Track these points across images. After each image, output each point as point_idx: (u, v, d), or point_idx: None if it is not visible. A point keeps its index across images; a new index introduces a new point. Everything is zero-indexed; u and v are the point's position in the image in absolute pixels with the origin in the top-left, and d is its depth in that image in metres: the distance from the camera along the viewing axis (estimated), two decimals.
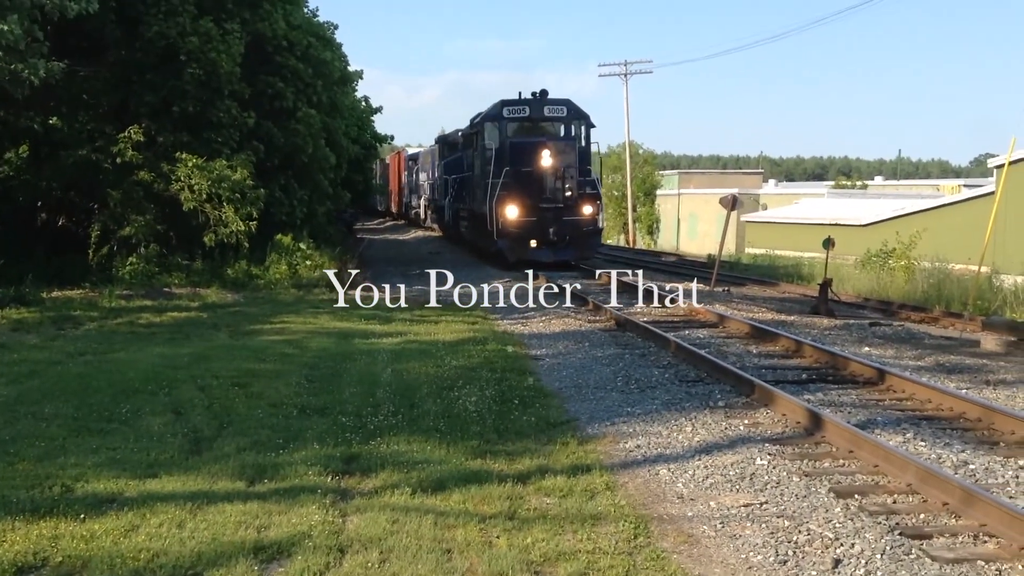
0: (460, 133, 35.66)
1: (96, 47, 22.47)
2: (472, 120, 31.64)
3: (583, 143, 28.17)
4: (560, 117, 28.31)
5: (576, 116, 28.35)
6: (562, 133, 28.16)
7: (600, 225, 28.00)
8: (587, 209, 26.90)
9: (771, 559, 6.12)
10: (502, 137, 27.61)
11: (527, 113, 28.10)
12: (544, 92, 28.30)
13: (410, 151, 59.36)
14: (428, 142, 58.68)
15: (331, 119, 29.57)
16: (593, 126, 28.57)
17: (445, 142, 40.19)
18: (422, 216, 51.92)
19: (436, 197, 43.75)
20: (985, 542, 6.38)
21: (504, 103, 28.28)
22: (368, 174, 47.80)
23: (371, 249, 38.09)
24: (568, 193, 26.42)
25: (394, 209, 66.20)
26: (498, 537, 6.39)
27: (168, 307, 18.47)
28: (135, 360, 12.62)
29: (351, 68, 35.25)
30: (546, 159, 26.13)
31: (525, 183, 26.33)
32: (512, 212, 26.30)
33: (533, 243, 26.58)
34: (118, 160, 21.67)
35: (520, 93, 28.64)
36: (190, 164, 21.62)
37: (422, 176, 51.10)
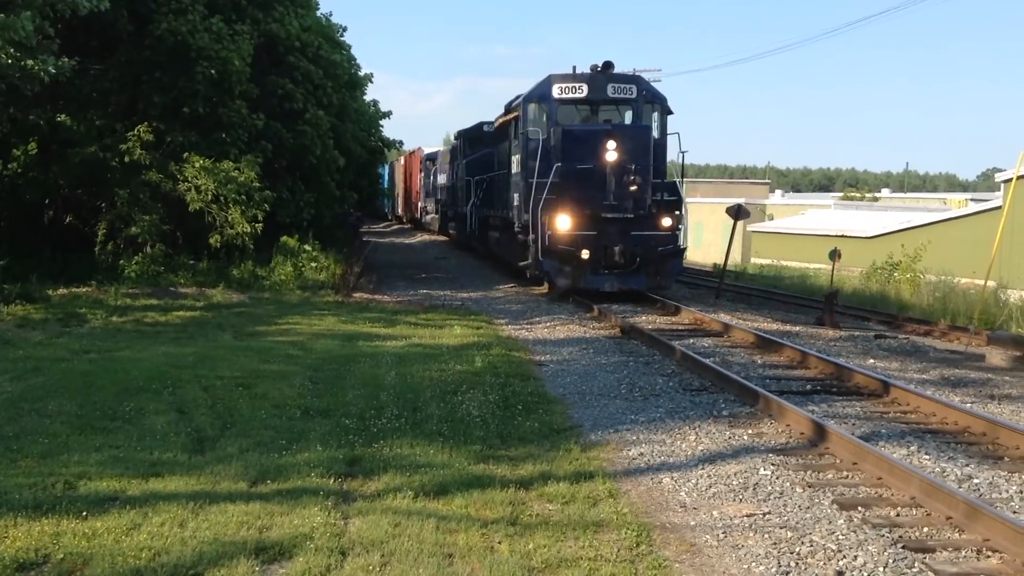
0: (485, 125, 30.95)
1: (106, 45, 22.51)
2: (508, 105, 24.94)
3: (658, 134, 21.73)
4: (628, 99, 21.79)
5: (650, 98, 21.94)
6: (631, 119, 21.92)
7: (681, 244, 21.07)
8: (665, 221, 20.47)
9: (773, 570, 6.10)
10: (551, 123, 21.28)
11: (585, 93, 21.51)
12: (608, 64, 21.73)
13: (427, 151, 54.15)
14: (436, 147, 55.56)
15: (340, 122, 29.58)
16: (670, 112, 22.05)
17: (468, 137, 34.43)
18: (437, 222, 47.27)
19: (456, 202, 37.76)
20: (988, 557, 6.36)
21: (554, 79, 21.72)
22: (375, 177, 47.66)
23: (377, 252, 38.10)
24: (640, 199, 20.29)
25: (400, 212, 66.09)
26: (500, 543, 6.38)
27: (173, 307, 18.48)
28: (140, 359, 12.63)
29: (361, 72, 35.29)
30: (611, 153, 19.82)
31: (582, 185, 20.18)
32: (564, 223, 20.01)
33: (591, 264, 20.13)
34: (126, 159, 21.69)
35: (575, 68, 22.08)
36: (197, 165, 21.65)
37: (440, 178, 45.63)
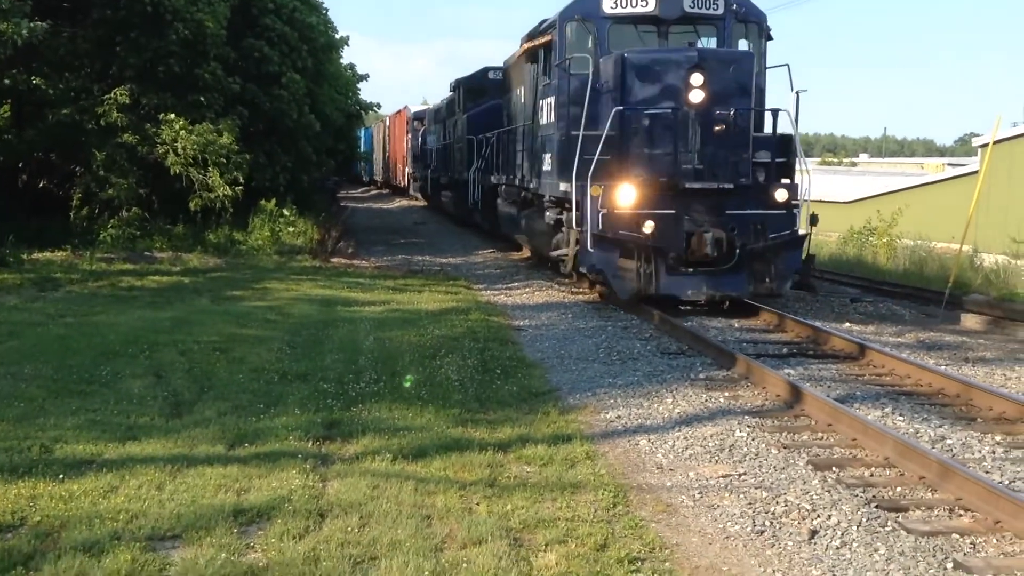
0: (491, 72, 26.84)
1: (80, 6, 22.17)
2: (532, 32, 18.22)
3: (756, 67, 14.93)
4: (713, 15, 15.36)
5: (743, 15, 15.54)
6: (718, 43, 15.47)
7: (799, 228, 14.57)
8: (778, 194, 14.16)
9: (748, 529, 6.17)
10: (602, 51, 15.08)
11: (651, 6, 15.10)
12: None
13: (414, 109, 48.47)
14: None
15: (316, 86, 29.33)
16: (771, 38, 15.77)
17: (469, 87, 28.80)
18: (427, 191, 41.30)
19: (450, 166, 31.61)
20: (960, 516, 6.44)
21: None
22: (353, 142, 47.23)
23: (355, 217, 37.96)
24: (741, 162, 14.13)
25: (378, 178, 65.58)
26: (478, 504, 6.42)
27: (149, 271, 18.38)
28: (116, 323, 12.57)
29: (337, 35, 34.94)
30: (696, 92, 13.62)
31: (652, 140, 14.07)
32: (626, 196, 13.82)
33: (667, 259, 13.79)
34: (102, 122, 21.47)
35: None
36: (177, 126, 21.44)
37: (430, 139, 39.28)
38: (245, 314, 13.62)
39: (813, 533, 6.09)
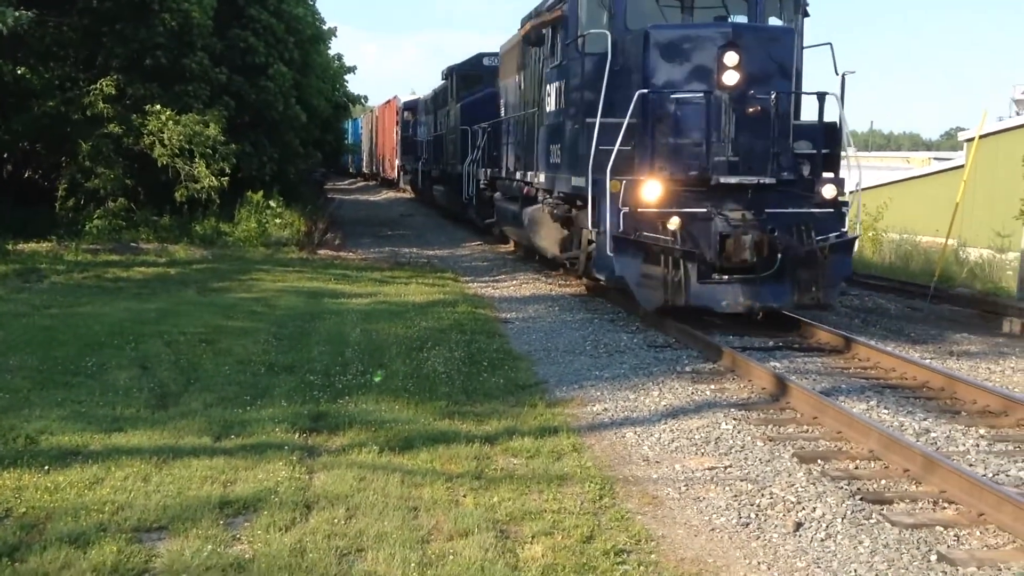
0: (486, 58, 25.70)
1: None
2: (535, 10, 16.78)
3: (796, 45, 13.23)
4: None
5: None
6: (749, 18, 13.62)
7: (848, 229, 12.78)
8: (826, 191, 12.47)
9: (734, 521, 6.19)
10: (619, 26, 13.17)
11: None
12: None
13: (404, 99, 46.42)
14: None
15: (303, 77, 29.23)
16: (807, 14, 14.00)
17: (462, 74, 27.55)
18: (417, 185, 39.46)
19: (442, 158, 30.21)
20: (944, 508, 6.48)
21: None
22: (340, 133, 47.07)
23: (342, 209, 37.88)
24: (782, 153, 12.47)
25: (365, 170, 65.41)
26: (464, 496, 6.42)
27: (135, 262, 18.31)
28: (101, 314, 12.53)
29: (324, 26, 34.82)
30: (730, 74, 11.90)
31: (679, 127, 12.44)
32: (651, 192, 12.10)
33: (698, 264, 12.04)
34: (88, 112, 21.37)
35: None
36: (164, 117, 21.36)
37: (420, 130, 37.78)
38: (231, 306, 13.59)
39: (798, 525, 6.12)
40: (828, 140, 12.97)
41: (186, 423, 7.79)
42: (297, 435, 7.56)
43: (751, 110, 12.10)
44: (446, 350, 10.82)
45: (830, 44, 13.13)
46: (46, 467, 6.59)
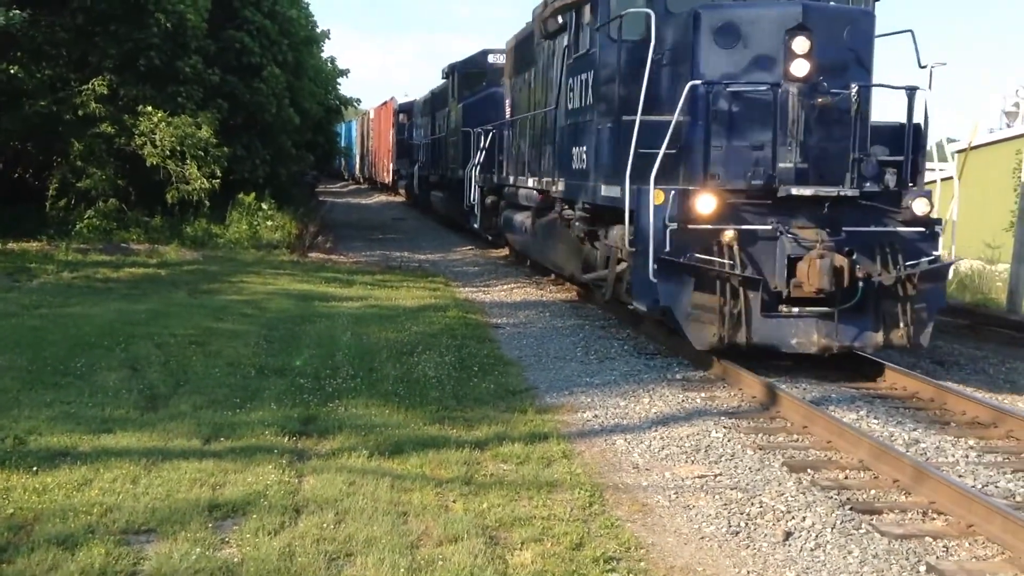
0: (491, 55, 24.51)
1: None
2: None
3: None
4: None
5: None
6: None
7: (943, 253, 10.84)
8: (917, 207, 10.47)
9: (723, 530, 6.19)
10: (661, 5, 11.28)
11: None
12: None
13: (401, 101, 44.14)
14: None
15: (296, 79, 29.21)
16: None
17: (464, 73, 25.92)
18: (413, 190, 37.49)
19: (441, 162, 28.59)
20: (934, 519, 6.49)
21: None
22: (332, 136, 46.96)
23: (333, 212, 37.85)
24: (864, 160, 10.45)
25: (357, 174, 65.24)
26: (454, 502, 6.41)
27: (126, 263, 18.26)
28: (91, 315, 12.49)
29: (318, 28, 34.81)
30: (799, 63, 10.14)
31: (735, 127, 10.54)
32: (705, 205, 10.15)
33: (762, 293, 10.17)
34: (80, 112, 21.32)
35: None
36: (156, 118, 21.32)
37: (417, 133, 36.40)
38: (222, 308, 13.56)
39: (788, 535, 6.12)
40: (913, 142, 10.86)
41: (175, 425, 7.76)
42: (287, 438, 7.54)
43: (822, 103, 10.27)
44: (437, 355, 10.81)
45: (911, 31, 11.07)
46: (34, 468, 6.56)
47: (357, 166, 65.29)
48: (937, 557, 5.87)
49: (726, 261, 10.00)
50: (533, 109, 16.35)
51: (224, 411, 8.22)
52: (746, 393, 9.68)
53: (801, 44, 10.07)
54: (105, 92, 21.48)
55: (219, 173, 22.14)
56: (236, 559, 5.36)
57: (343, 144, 61.54)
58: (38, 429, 7.47)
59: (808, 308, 10.21)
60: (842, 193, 10.22)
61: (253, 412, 8.24)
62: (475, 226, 22.43)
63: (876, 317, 10.29)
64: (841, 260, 9.91)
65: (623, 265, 11.47)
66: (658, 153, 9.97)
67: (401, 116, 41.64)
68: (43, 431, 7.44)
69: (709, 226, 10.08)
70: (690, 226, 10.06)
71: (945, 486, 6.67)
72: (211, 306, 13.70)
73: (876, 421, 8.78)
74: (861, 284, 10.10)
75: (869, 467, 7.44)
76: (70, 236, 20.67)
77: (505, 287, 17.37)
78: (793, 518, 6.39)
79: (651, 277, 10.02)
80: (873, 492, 7.00)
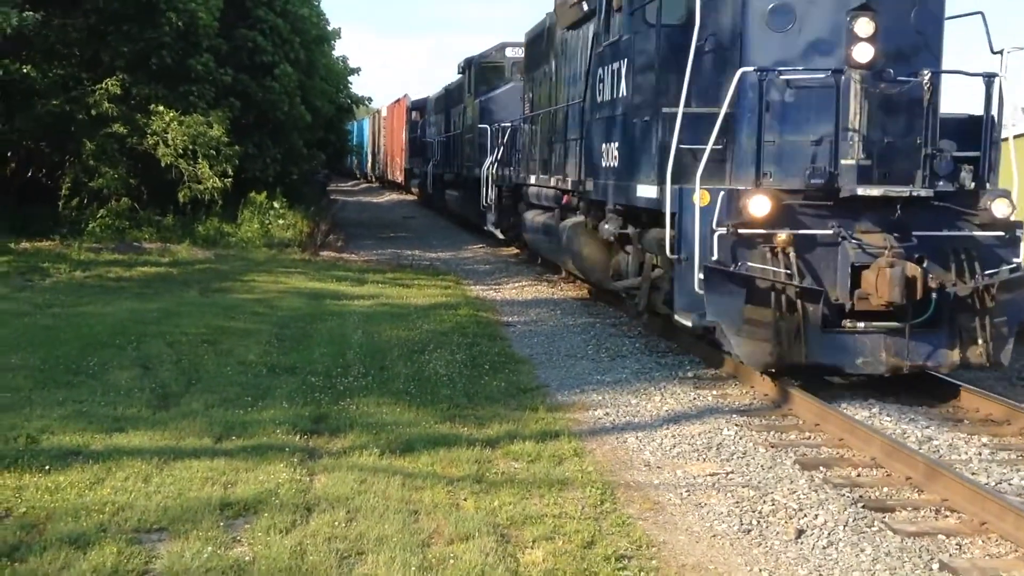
0: (509, 48, 23.58)
1: None
2: None
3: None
4: None
5: None
6: None
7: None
8: (997, 208, 9.35)
9: (735, 528, 6.17)
10: None
11: None
12: None
13: (414, 98, 43.12)
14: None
15: (307, 78, 29.24)
16: None
17: (480, 67, 24.79)
18: (426, 189, 36.26)
19: (456, 160, 27.83)
20: (947, 516, 6.46)
21: None
22: (343, 135, 46.95)
23: (344, 211, 37.89)
24: (936, 156, 9.40)
25: (368, 171, 65.20)
26: (465, 500, 6.41)
27: (138, 262, 18.31)
28: (103, 314, 12.54)
29: (329, 27, 34.85)
30: (862, 47, 8.93)
31: (789, 120, 9.55)
32: (758, 208, 9.07)
33: (821, 308, 9.01)
34: (92, 112, 21.38)
35: None
36: (168, 117, 21.37)
37: (430, 131, 35.36)
38: (233, 306, 13.59)
39: (800, 532, 6.10)
40: (977, 139, 9.80)
41: (187, 424, 7.78)
42: (298, 437, 7.54)
43: (888, 92, 9.22)
44: (447, 353, 10.81)
45: (981, 13, 9.91)
46: (47, 467, 6.58)
47: (369, 164, 65.25)
48: (950, 555, 5.84)
49: (781, 270, 9.01)
50: (555, 104, 15.46)
51: (235, 409, 8.24)
52: (758, 391, 9.64)
53: (865, 26, 8.95)
54: (118, 92, 21.54)
55: (231, 172, 22.18)
56: (248, 558, 5.37)
57: (355, 142, 61.58)
58: (50, 428, 7.50)
59: (875, 323, 9.16)
60: (915, 193, 9.16)
61: (264, 411, 8.26)
62: (492, 227, 21.61)
63: (951, 333, 9.26)
64: (914, 269, 8.86)
65: (658, 272, 10.74)
66: (702, 149, 9.18)
67: (414, 113, 40.74)
68: (55, 430, 7.46)
69: (762, 230, 9.12)
70: (741, 231, 9.13)
71: (958, 483, 6.64)
72: (223, 305, 13.73)
73: (888, 418, 8.73)
74: (934, 296, 9.08)
75: (882, 464, 7.41)
76: (82, 235, 20.73)
77: (516, 285, 17.36)
78: (805, 516, 6.37)
79: (697, 288, 9.16)
80: (886, 490, 6.98)
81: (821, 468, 7.36)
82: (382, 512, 6.04)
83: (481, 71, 24.62)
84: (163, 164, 21.62)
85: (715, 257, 9.07)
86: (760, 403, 9.30)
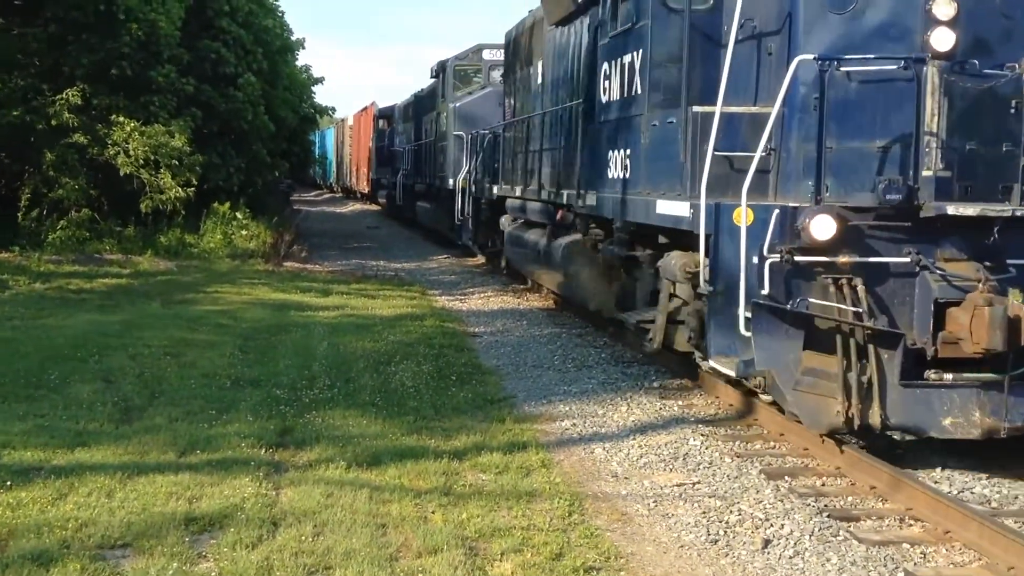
0: (486, 51, 22.52)
1: (31, 4, 21.84)
2: None
3: None
4: None
5: None
6: None
7: None
8: None
9: (703, 538, 6.19)
10: None
11: None
12: None
13: (381, 105, 41.75)
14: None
15: (271, 88, 29.12)
16: None
17: (459, 69, 23.65)
18: (394, 201, 34.42)
19: (427, 170, 26.62)
20: (911, 525, 6.52)
21: None
22: (307, 145, 46.77)
23: (308, 221, 37.73)
24: None
25: (335, 183, 64.87)
26: (433, 512, 6.38)
27: (99, 273, 18.11)
28: (64, 326, 12.39)
29: (293, 37, 34.73)
30: (942, 34, 7.34)
31: (853, 122, 7.82)
32: (820, 229, 7.40)
33: (898, 355, 7.16)
34: (52, 122, 21.16)
35: None
36: (129, 128, 21.18)
37: (399, 140, 34.21)
38: (197, 318, 13.48)
39: (766, 542, 6.12)
40: None
41: (151, 438, 7.69)
42: (263, 450, 7.49)
43: (971, 87, 7.67)
44: (414, 364, 10.78)
45: None
46: (8, 482, 6.48)
47: (334, 175, 64.96)
48: (915, 563, 5.90)
49: (848, 307, 7.39)
50: (543, 108, 14.03)
51: (200, 423, 8.16)
52: (723, 401, 9.69)
53: (945, 8, 7.46)
54: (78, 102, 21.33)
55: (194, 181, 22.03)
56: (213, 573, 5.31)
57: (318, 153, 61.36)
58: (11, 443, 7.39)
59: (965, 375, 7.40)
60: (1018, 213, 7.51)
61: (229, 424, 8.19)
62: (469, 242, 20.32)
63: None
64: (1018, 308, 7.11)
65: (676, 302, 9.19)
66: (744, 156, 7.91)
67: (381, 122, 39.32)
68: (16, 445, 7.35)
69: (824, 258, 7.57)
70: (798, 258, 7.60)
71: (922, 493, 6.71)
72: (185, 316, 13.61)
73: None
74: None
75: (846, 474, 7.47)
76: (43, 247, 20.48)
77: (482, 295, 17.36)
78: (771, 526, 6.40)
79: (742, 330, 7.64)
80: (851, 499, 7.03)
81: (787, 478, 7.41)
82: (349, 526, 6.00)
83: (457, 74, 23.40)
84: (123, 174, 21.42)
85: (765, 291, 7.56)
86: (725, 413, 9.35)
